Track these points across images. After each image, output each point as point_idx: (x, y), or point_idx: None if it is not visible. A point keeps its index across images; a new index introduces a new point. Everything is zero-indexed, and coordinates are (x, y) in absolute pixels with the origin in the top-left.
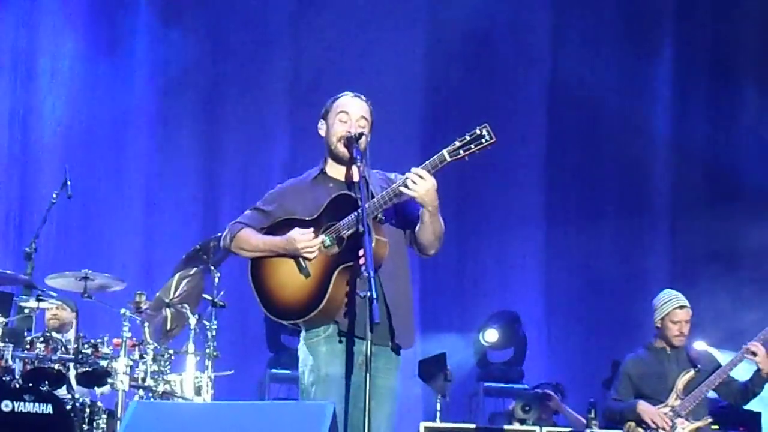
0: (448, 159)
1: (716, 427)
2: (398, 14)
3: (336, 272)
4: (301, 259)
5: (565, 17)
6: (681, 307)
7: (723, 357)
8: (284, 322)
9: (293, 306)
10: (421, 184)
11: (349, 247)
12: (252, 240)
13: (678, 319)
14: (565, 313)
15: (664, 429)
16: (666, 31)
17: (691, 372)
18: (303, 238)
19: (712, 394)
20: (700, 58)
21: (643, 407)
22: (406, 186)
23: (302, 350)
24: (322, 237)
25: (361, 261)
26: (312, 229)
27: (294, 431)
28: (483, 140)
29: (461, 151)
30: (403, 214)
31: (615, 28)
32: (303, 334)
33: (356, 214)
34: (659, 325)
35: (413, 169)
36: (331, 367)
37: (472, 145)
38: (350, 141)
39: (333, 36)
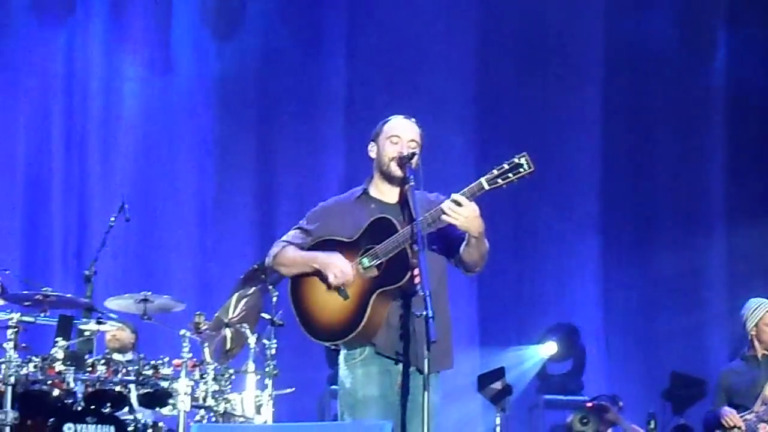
0: (486, 187)
1: None
2: (450, 30)
3: (374, 296)
4: None
5: (618, 29)
6: None
7: None
8: (323, 344)
9: (332, 328)
10: (460, 212)
11: (387, 271)
12: (291, 256)
13: None
14: (624, 325)
15: (739, 428)
16: (721, 34)
17: None
18: (338, 266)
19: None
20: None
21: (723, 410)
22: (446, 214)
23: (341, 371)
24: (356, 265)
25: (416, 279)
26: (352, 267)
27: None
28: (521, 170)
29: (499, 180)
30: (445, 237)
31: (667, 36)
32: (343, 353)
33: (396, 237)
34: (753, 332)
35: (453, 196)
36: (368, 390)
37: (510, 174)
38: (403, 161)
39: (385, 51)
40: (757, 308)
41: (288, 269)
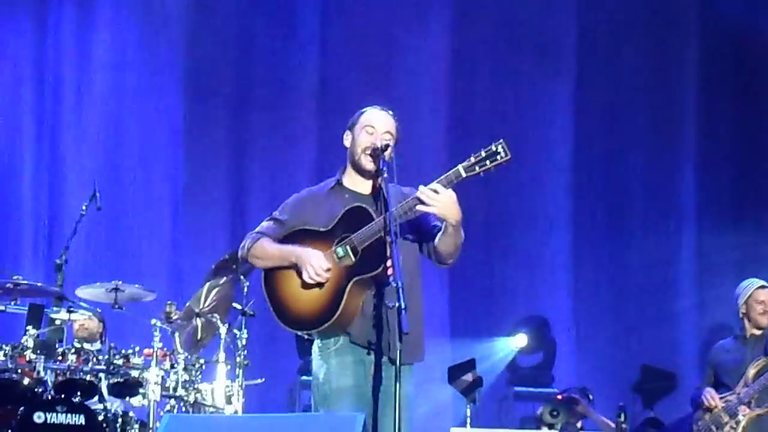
0: (464, 175)
1: None
2: (423, 20)
3: (350, 284)
4: None
5: (591, 23)
6: (762, 287)
7: None
8: (298, 333)
9: (307, 317)
10: (438, 199)
11: (363, 259)
12: (267, 249)
13: (763, 299)
14: (594, 318)
15: (715, 408)
16: (691, 33)
17: (762, 360)
18: (315, 264)
19: None
20: (725, 64)
21: (704, 389)
22: (422, 202)
23: (315, 361)
24: (331, 254)
25: (389, 271)
26: (328, 264)
27: None
28: (498, 157)
29: (477, 167)
30: (418, 227)
31: (639, 32)
32: (317, 343)
33: (371, 226)
34: (744, 310)
35: (430, 185)
36: (341, 380)
37: (488, 162)
38: (376, 152)
39: (360, 43)
40: (747, 286)
41: (263, 262)
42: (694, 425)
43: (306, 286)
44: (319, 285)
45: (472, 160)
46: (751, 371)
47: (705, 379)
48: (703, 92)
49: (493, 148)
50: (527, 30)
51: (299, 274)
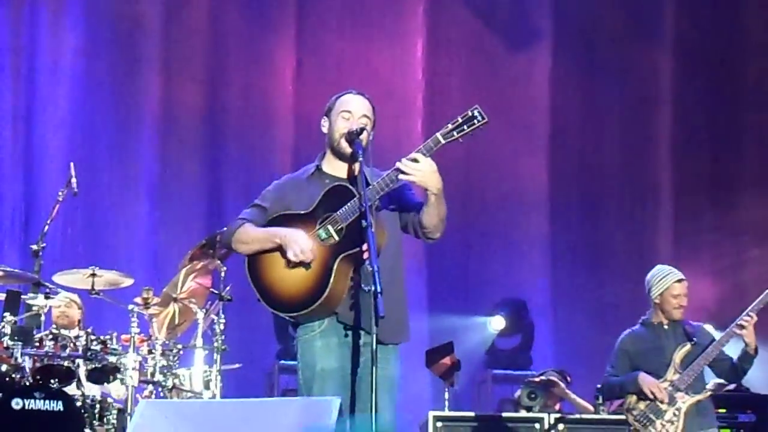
0: (442, 141)
1: (723, 410)
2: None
3: (336, 263)
4: None
5: (565, 16)
6: (679, 281)
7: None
8: (285, 315)
9: (294, 298)
10: (418, 167)
11: (348, 237)
12: (251, 233)
13: (678, 293)
14: (572, 300)
15: (662, 401)
16: (667, 23)
17: (688, 346)
18: (300, 243)
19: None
20: (700, 50)
21: (644, 378)
22: (403, 172)
23: (300, 345)
24: (314, 237)
25: (365, 255)
26: (312, 243)
27: (302, 427)
28: (475, 121)
29: (455, 133)
30: (399, 202)
31: (614, 21)
32: (299, 330)
33: (354, 203)
34: (657, 301)
35: (410, 155)
36: (326, 362)
37: (465, 127)
38: (352, 136)
39: (335, 26)
40: (664, 277)
41: (248, 246)
42: (627, 414)
43: (292, 267)
44: (306, 266)
45: (450, 126)
46: (677, 357)
47: (618, 366)
48: (679, 75)
49: (470, 113)
50: (502, 20)
51: (284, 255)
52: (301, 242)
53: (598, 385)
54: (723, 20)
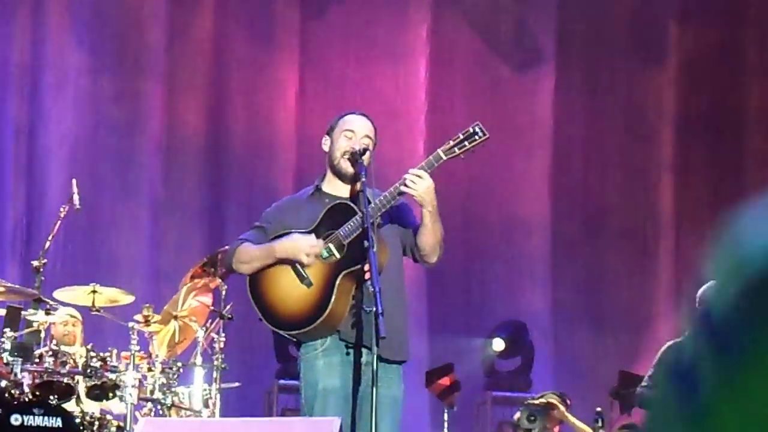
0: (444, 158)
1: None
2: (403, 25)
3: (338, 280)
4: (301, 269)
5: (569, 37)
6: None
7: None
8: (287, 334)
9: (296, 317)
10: (420, 183)
11: (350, 254)
12: (251, 251)
13: None
14: (572, 323)
15: None
16: (671, 43)
17: None
18: (304, 244)
19: None
20: (704, 71)
21: None
22: (406, 185)
23: (303, 364)
24: (321, 246)
25: (367, 276)
26: (312, 236)
27: None
28: (476, 137)
29: (456, 149)
30: (399, 221)
31: (618, 42)
32: (301, 349)
33: (356, 220)
34: None
35: (411, 170)
36: (329, 381)
37: (466, 143)
38: (355, 157)
39: (339, 46)
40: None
41: (249, 265)
42: None
43: (294, 285)
44: (308, 284)
45: (451, 143)
46: None
47: (655, 378)
48: (683, 96)
49: (471, 130)
50: (506, 36)
51: (293, 271)
52: (302, 244)
53: (598, 409)
54: (727, 41)
